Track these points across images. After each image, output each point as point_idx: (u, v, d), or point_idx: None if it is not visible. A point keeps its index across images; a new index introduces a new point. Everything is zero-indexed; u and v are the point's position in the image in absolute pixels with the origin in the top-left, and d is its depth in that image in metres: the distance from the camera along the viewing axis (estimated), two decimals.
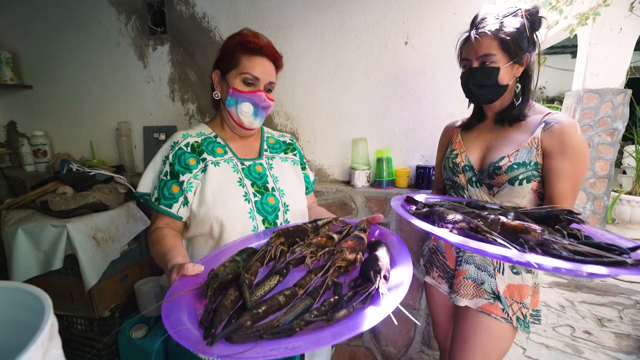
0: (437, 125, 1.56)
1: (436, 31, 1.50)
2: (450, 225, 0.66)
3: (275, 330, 0.48)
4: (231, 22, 1.75)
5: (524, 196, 0.97)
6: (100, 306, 1.55)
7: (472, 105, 1.11)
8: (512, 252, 0.53)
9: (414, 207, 0.89)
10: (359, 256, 0.68)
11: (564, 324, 2.29)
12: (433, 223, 0.71)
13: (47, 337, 0.36)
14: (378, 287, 0.56)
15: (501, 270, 1.00)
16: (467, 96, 1.06)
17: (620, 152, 4.48)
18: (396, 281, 0.60)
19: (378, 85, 1.63)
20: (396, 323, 0.49)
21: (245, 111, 0.96)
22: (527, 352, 1.99)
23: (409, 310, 1.67)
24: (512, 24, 0.91)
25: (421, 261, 1.27)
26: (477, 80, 0.98)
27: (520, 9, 0.93)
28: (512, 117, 1.00)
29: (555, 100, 6.41)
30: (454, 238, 0.61)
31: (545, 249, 0.54)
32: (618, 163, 4.54)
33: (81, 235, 1.44)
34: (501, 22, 0.92)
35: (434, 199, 1.00)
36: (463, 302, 1.03)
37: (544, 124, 0.94)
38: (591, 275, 0.46)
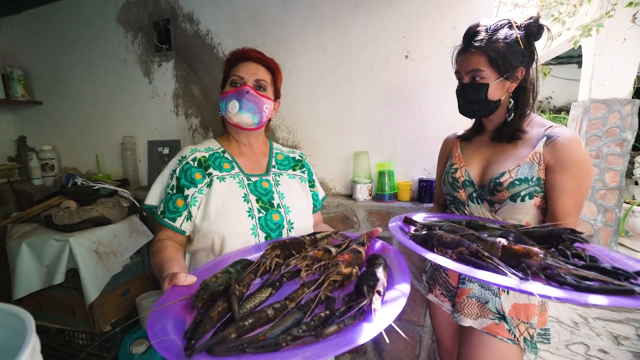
0: (439, 137, 1.53)
1: (436, 45, 1.50)
2: (449, 250, 0.64)
3: (260, 344, 0.46)
4: (234, 39, 1.78)
5: (526, 212, 0.93)
6: (101, 320, 1.55)
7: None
8: (513, 282, 0.50)
9: (412, 228, 0.87)
10: (355, 270, 0.65)
11: (578, 341, 2.20)
12: (432, 248, 0.68)
13: None
14: (371, 302, 0.54)
15: (506, 289, 0.97)
16: (460, 111, 1.04)
17: (632, 163, 4.38)
18: (392, 297, 0.58)
19: (379, 98, 1.63)
20: (387, 341, 0.48)
21: (231, 108, 0.96)
22: None
23: (414, 327, 1.64)
24: (502, 39, 0.89)
25: (424, 277, 1.24)
26: (467, 96, 0.96)
27: (510, 22, 0.90)
28: (508, 134, 0.97)
29: (562, 111, 6.34)
30: (456, 266, 0.58)
31: (549, 274, 0.51)
32: (629, 174, 4.43)
33: (83, 249, 1.45)
34: (490, 37, 0.90)
35: (433, 218, 0.97)
36: (467, 322, 1.00)
37: (545, 138, 0.90)
38: (598, 305, 0.43)
